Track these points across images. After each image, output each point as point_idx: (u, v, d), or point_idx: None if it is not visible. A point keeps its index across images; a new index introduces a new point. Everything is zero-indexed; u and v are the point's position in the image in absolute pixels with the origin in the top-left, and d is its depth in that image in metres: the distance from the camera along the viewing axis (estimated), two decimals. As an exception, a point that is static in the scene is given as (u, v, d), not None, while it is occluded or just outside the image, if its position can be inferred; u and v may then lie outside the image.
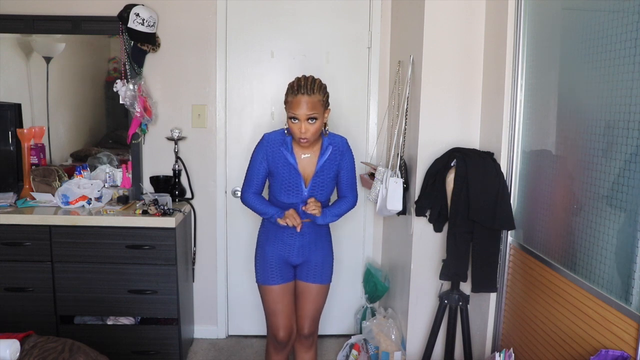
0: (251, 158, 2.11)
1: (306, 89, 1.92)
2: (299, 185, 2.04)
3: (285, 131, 2.06)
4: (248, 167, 2.12)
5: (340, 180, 2.14)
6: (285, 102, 1.97)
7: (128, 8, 2.70)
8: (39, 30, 2.85)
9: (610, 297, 1.56)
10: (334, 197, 2.20)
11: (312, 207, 2.00)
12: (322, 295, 2.20)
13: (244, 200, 2.15)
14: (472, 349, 2.29)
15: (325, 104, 1.99)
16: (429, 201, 2.29)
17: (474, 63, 2.41)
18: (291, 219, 2.00)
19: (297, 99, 1.91)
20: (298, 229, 2.03)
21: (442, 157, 2.28)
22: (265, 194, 2.19)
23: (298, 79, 1.97)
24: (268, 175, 2.11)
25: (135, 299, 2.62)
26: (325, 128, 2.08)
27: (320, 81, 2.00)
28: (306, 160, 2.06)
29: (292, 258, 2.13)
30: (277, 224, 2.07)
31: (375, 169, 2.58)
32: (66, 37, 2.91)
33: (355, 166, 2.18)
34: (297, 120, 1.94)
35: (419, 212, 2.34)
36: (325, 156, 2.06)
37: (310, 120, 1.93)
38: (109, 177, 2.92)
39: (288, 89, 1.98)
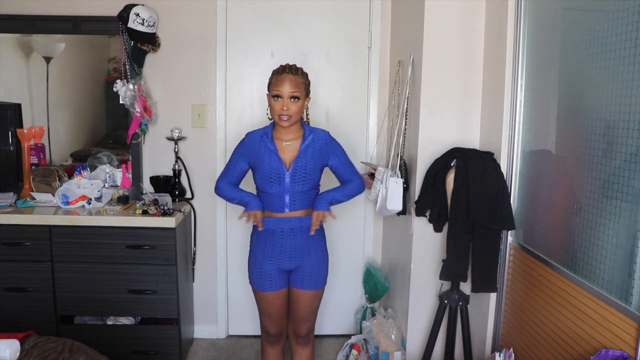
0: (231, 154, 2.15)
1: (291, 69, 2.02)
2: (280, 170, 2.03)
3: (268, 117, 2.11)
4: (227, 163, 2.16)
5: (337, 169, 2.13)
6: (269, 84, 2.05)
7: (128, 8, 2.70)
8: (39, 30, 2.85)
9: (610, 297, 1.56)
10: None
11: (317, 222, 2.04)
12: (317, 299, 2.18)
13: (216, 189, 2.16)
14: (472, 349, 2.29)
15: (307, 89, 2.06)
16: (429, 201, 2.29)
17: (474, 63, 2.41)
18: (252, 215, 2.05)
19: (282, 77, 2.00)
20: (260, 227, 2.06)
21: (442, 157, 2.28)
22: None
23: (282, 64, 2.07)
24: (251, 171, 2.12)
25: (135, 299, 2.62)
26: (306, 113, 2.16)
27: (303, 68, 2.08)
28: (287, 147, 2.07)
29: (285, 263, 2.09)
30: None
31: (375, 169, 2.58)
32: (66, 37, 2.91)
33: (348, 155, 2.17)
34: (279, 98, 1.99)
35: (419, 212, 2.34)
36: (307, 141, 2.07)
37: (292, 99, 1.99)
38: (109, 177, 2.92)
39: (273, 72, 2.06)
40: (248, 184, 2.18)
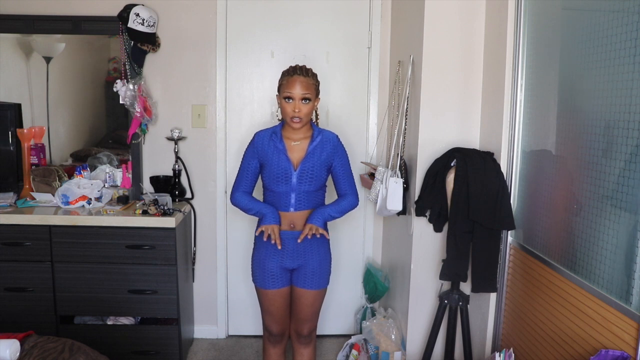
0: (242, 157, 2.15)
1: (302, 71, 2.03)
2: (288, 170, 2.04)
3: (278, 117, 2.11)
4: (239, 167, 2.16)
5: (336, 177, 2.14)
6: (280, 86, 2.05)
7: (128, 8, 2.70)
8: (39, 30, 2.85)
9: (610, 297, 1.56)
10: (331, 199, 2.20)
11: (309, 234, 2.01)
12: (319, 299, 2.19)
13: (232, 199, 2.16)
14: (472, 349, 2.29)
15: (317, 91, 2.07)
16: (429, 201, 2.29)
17: (474, 63, 2.41)
18: (270, 232, 2.01)
19: (293, 79, 2.00)
20: (279, 246, 2.03)
21: (442, 157, 2.29)
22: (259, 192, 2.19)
23: (292, 65, 2.08)
24: (260, 170, 2.12)
25: (135, 299, 2.62)
26: (315, 114, 2.18)
27: (312, 69, 2.09)
28: (296, 147, 2.08)
29: (287, 262, 2.10)
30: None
31: (375, 169, 2.58)
32: (66, 37, 2.91)
33: (351, 165, 2.18)
34: (291, 100, 2.00)
35: (419, 212, 2.34)
36: (315, 142, 2.08)
37: (304, 101, 2.00)
38: (109, 177, 2.92)
39: (283, 73, 2.06)
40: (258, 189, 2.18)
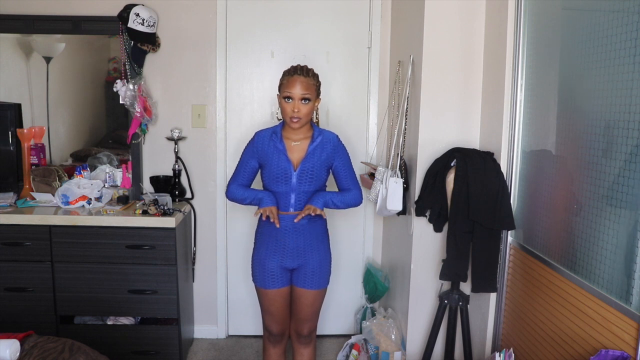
0: (241, 154, 2.15)
1: (302, 71, 2.02)
2: (288, 171, 2.04)
3: (277, 117, 2.11)
4: (237, 164, 2.16)
5: (339, 175, 2.14)
6: (280, 85, 2.05)
7: (128, 8, 2.70)
8: (39, 30, 2.85)
9: (610, 297, 1.56)
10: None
11: (306, 213, 2.01)
12: (320, 299, 2.19)
13: (227, 192, 2.15)
14: (472, 349, 2.29)
15: (317, 91, 2.07)
16: (429, 201, 2.29)
17: (474, 63, 2.41)
18: (268, 212, 2.00)
19: (293, 78, 2.00)
20: (277, 224, 2.01)
21: (442, 157, 2.29)
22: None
23: (293, 65, 2.07)
24: (260, 170, 2.12)
25: (135, 299, 2.62)
26: (315, 114, 2.17)
27: (314, 69, 2.08)
28: (296, 147, 2.08)
29: (287, 261, 2.09)
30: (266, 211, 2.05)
31: (375, 169, 2.58)
32: (66, 37, 2.91)
33: (352, 162, 2.17)
34: (290, 100, 1.99)
35: (419, 212, 2.34)
36: (316, 143, 2.07)
37: (303, 101, 1.99)
38: (109, 177, 2.92)
39: (284, 73, 2.06)
40: (256, 184, 2.18)
